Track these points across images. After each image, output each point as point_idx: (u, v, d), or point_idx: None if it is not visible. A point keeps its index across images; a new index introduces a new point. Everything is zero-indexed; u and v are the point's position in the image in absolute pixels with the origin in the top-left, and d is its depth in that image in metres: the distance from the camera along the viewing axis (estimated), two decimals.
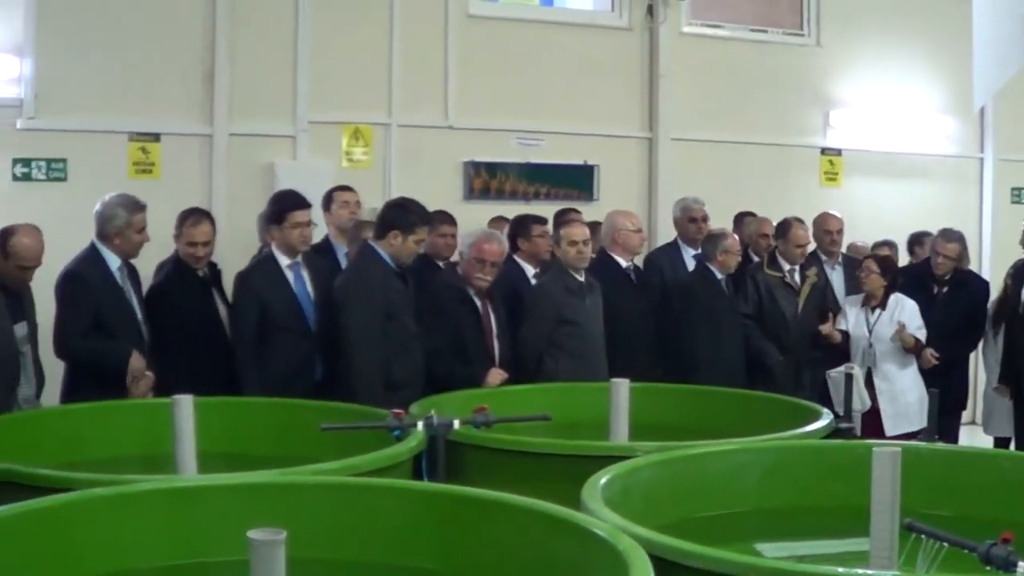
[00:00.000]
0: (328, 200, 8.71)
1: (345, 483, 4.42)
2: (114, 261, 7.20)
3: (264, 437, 6.07)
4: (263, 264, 7.64)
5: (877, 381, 8.87)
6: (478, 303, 7.68)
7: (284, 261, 7.50)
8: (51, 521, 3.86)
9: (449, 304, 7.61)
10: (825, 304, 9.52)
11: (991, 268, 11.42)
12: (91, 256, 7.19)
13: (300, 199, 7.65)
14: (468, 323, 7.62)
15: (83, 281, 7.07)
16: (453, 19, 11.12)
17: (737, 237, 9.33)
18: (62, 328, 7.07)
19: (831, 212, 10.19)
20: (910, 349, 8.93)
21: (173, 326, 7.41)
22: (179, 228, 7.68)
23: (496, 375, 7.50)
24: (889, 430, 8.71)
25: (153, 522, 4.01)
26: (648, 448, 5.24)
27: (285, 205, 7.60)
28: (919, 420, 8.75)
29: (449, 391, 6.89)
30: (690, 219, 9.63)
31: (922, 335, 8.97)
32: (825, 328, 9.25)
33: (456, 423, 5.45)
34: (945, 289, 9.61)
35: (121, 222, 7.18)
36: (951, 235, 9.69)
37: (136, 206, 7.28)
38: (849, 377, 7.03)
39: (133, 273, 7.41)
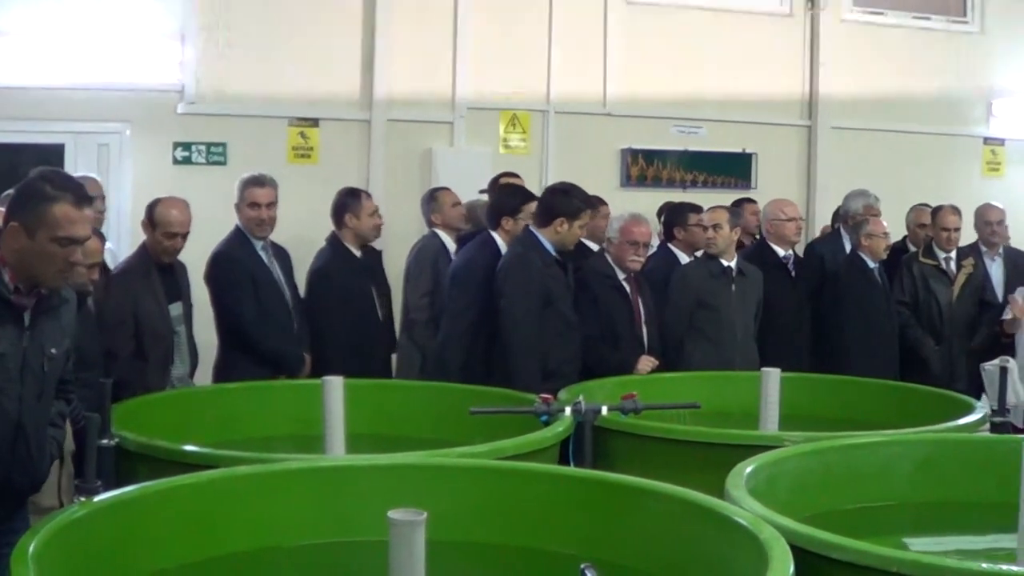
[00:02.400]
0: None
1: (488, 466, 4.45)
2: (257, 242, 7.29)
3: (415, 420, 6.12)
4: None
5: None
6: (627, 289, 7.65)
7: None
8: (194, 497, 3.94)
9: (599, 290, 7.58)
10: (982, 294, 9.30)
11: None
12: (237, 238, 7.31)
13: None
14: (618, 309, 7.59)
15: (234, 261, 7.18)
16: (612, 5, 11.11)
17: (881, 221, 9.15)
18: (237, 320, 7.14)
19: (992, 203, 9.96)
20: None
21: (331, 308, 7.50)
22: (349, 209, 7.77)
23: (646, 362, 7.47)
24: None
25: (296, 501, 4.05)
26: (796, 438, 5.19)
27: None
28: None
29: (599, 377, 6.86)
30: (872, 215, 9.41)
31: None
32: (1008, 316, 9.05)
33: (604, 409, 5.42)
34: None
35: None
36: None
37: (254, 181, 7.32)
38: (1004, 371, 6.83)
39: (281, 253, 7.48)
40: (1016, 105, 12.57)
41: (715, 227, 7.95)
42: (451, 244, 8.40)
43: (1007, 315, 8.94)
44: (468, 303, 7.24)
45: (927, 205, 10.18)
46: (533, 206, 7.43)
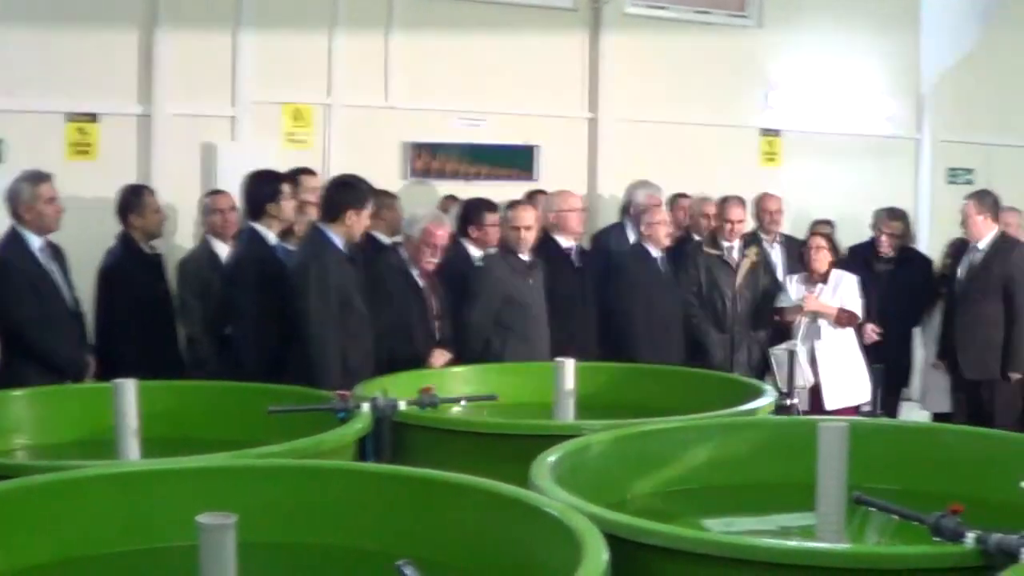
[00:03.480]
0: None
1: (295, 466, 4.39)
2: (35, 241, 7.10)
3: (212, 422, 5.95)
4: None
5: (819, 355, 8.89)
6: (422, 284, 7.64)
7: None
8: None
9: (393, 285, 7.56)
10: (764, 282, 9.56)
11: (928, 248, 11.46)
12: (11, 240, 7.11)
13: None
14: (412, 304, 7.58)
15: (11, 264, 6.99)
16: None
17: (662, 209, 9.37)
18: (17, 325, 6.95)
19: (770, 192, 10.26)
20: (840, 323, 8.96)
21: (124, 307, 7.34)
22: None
23: (440, 355, 7.48)
24: (829, 404, 8.73)
25: (98, 508, 3.94)
26: (595, 427, 5.24)
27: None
28: (859, 394, 8.89)
29: (393, 373, 6.83)
30: (654, 205, 9.57)
31: (858, 310, 9.01)
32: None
33: (402, 404, 5.45)
34: (889, 266, 9.75)
35: (27, 196, 7.09)
36: (896, 213, 9.96)
37: (39, 177, 7.17)
38: (792, 354, 7.07)
39: (58, 253, 7.30)
40: (791, 96, 12.93)
41: (528, 228, 8.03)
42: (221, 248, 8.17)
43: (782, 302, 9.20)
44: (251, 300, 7.11)
45: (686, 195, 10.43)
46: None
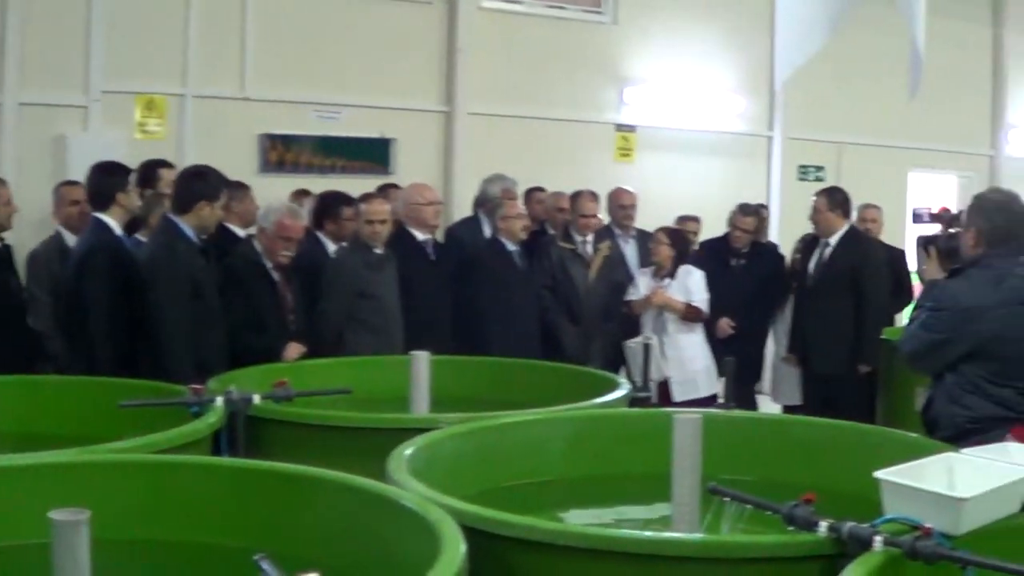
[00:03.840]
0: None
1: (147, 461, 4.33)
2: None
3: (64, 417, 5.82)
4: None
5: (666, 349, 8.99)
6: (276, 277, 7.59)
7: None
8: None
9: (247, 278, 7.49)
10: (617, 276, 9.66)
11: (779, 242, 11.68)
12: None
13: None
14: (266, 297, 7.52)
15: None
16: None
17: (518, 203, 9.42)
18: None
19: (624, 187, 10.36)
20: (686, 317, 9.08)
21: None
22: None
23: (294, 348, 7.42)
24: (677, 396, 8.86)
25: None
26: (451, 419, 5.23)
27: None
28: (706, 387, 9.04)
29: (247, 366, 6.76)
30: (509, 200, 9.61)
31: (703, 304, 9.12)
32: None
33: (256, 397, 5.40)
34: (742, 261, 9.92)
35: None
36: (748, 209, 10.14)
37: None
38: (647, 347, 7.14)
39: None
40: (646, 93, 13.08)
41: (383, 221, 8.01)
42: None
43: (632, 295, 9.29)
44: (101, 293, 6.95)
45: (543, 189, 10.51)
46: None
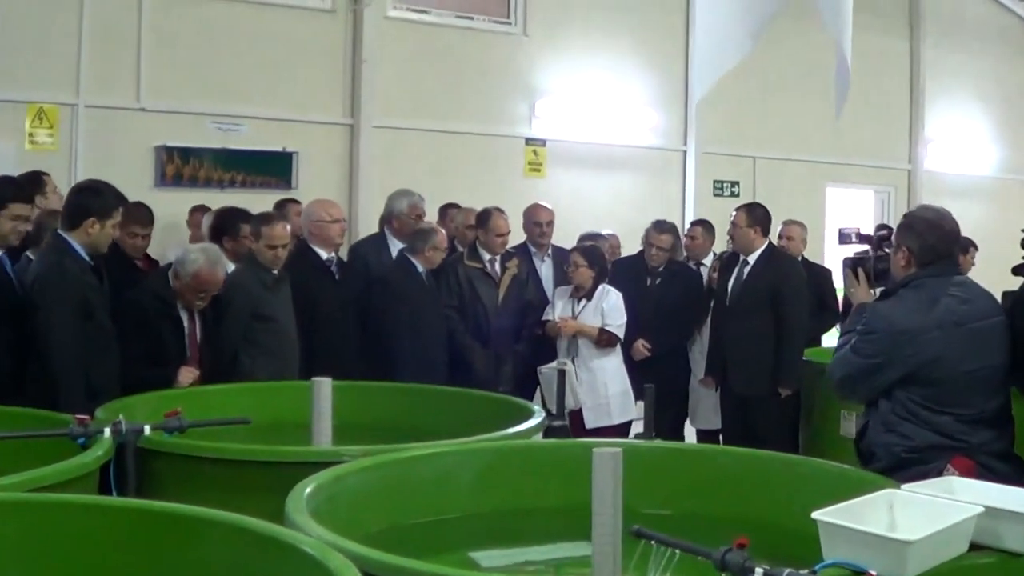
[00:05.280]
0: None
1: (23, 500, 4.06)
2: None
3: None
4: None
5: (580, 372, 8.84)
6: (184, 315, 7.30)
7: None
8: None
9: (151, 317, 7.18)
10: (529, 295, 9.48)
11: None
12: None
13: None
14: (170, 334, 7.23)
15: None
16: None
17: (445, 233, 9.23)
18: None
19: (541, 203, 10.19)
20: (600, 343, 8.93)
21: None
22: None
23: (187, 373, 7.11)
24: (589, 422, 8.74)
25: None
26: (354, 452, 5.04)
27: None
28: (620, 413, 8.94)
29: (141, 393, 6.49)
30: (416, 216, 9.41)
31: (619, 330, 8.99)
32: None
33: (147, 428, 5.15)
34: (659, 280, 9.77)
35: None
36: (664, 226, 9.96)
37: None
38: (562, 373, 6.95)
39: None
40: (558, 106, 12.96)
41: (284, 246, 7.83)
42: None
43: (547, 315, 9.14)
44: None
45: (458, 205, 10.34)
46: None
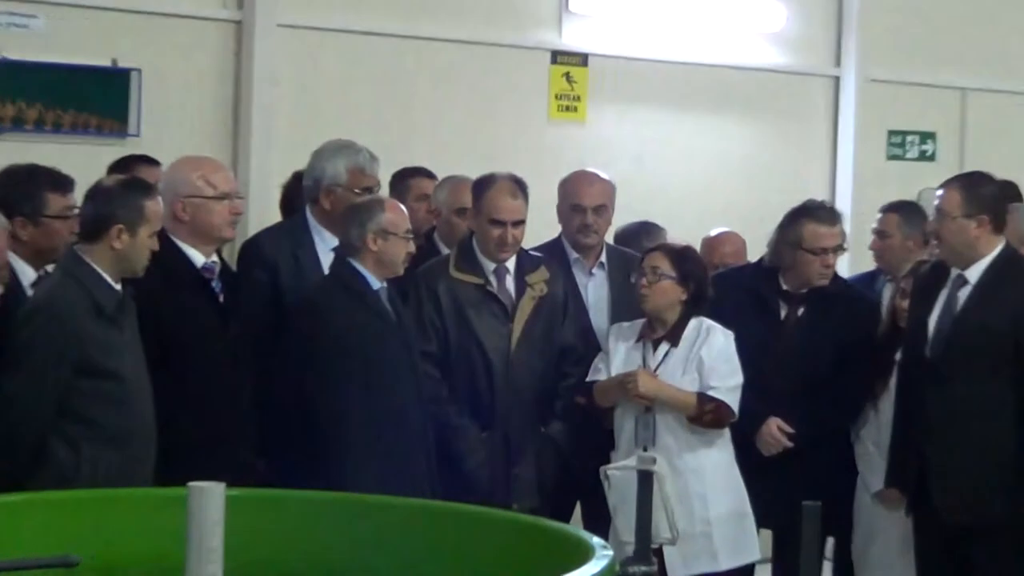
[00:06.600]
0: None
1: None
2: None
3: None
4: None
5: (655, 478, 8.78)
6: None
7: None
8: None
9: None
10: (563, 335, 9.62)
11: (853, 272, 11.68)
12: None
13: None
14: None
15: None
16: None
17: (405, 211, 9.38)
18: None
19: (590, 170, 10.39)
20: (699, 420, 9.02)
21: None
22: None
23: None
24: (675, 568, 8.83)
25: None
26: None
27: None
28: (731, 552, 9.09)
29: None
30: (363, 189, 9.52)
31: (732, 396, 9.00)
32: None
33: None
34: (802, 310, 9.85)
35: None
36: (821, 214, 10.05)
37: None
38: (648, 477, 6.86)
39: None
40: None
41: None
42: None
43: (597, 369, 9.37)
44: None
45: None
46: None
